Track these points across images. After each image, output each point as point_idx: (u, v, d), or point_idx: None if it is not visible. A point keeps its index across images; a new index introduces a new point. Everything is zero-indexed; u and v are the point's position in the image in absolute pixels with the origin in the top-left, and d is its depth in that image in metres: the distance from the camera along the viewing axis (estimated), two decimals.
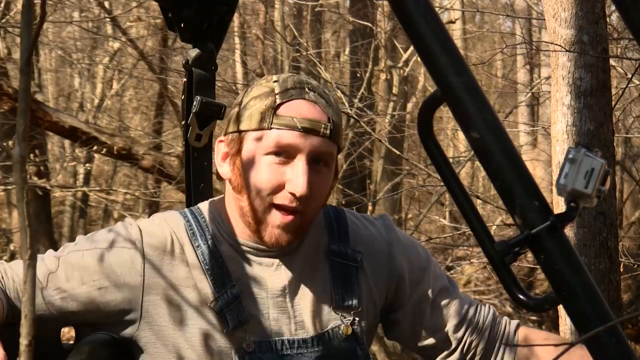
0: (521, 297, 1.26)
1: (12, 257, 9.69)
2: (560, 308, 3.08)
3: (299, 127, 1.76)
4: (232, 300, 1.80)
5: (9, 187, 7.98)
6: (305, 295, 1.86)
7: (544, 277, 7.85)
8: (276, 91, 1.79)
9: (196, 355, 1.79)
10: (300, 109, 1.78)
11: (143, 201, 10.70)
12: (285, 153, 1.77)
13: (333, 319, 1.86)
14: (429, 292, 1.94)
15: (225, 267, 1.82)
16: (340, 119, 1.84)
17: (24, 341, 1.00)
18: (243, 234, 1.85)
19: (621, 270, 4.01)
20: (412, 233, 8.31)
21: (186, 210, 1.90)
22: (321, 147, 1.78)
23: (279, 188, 1.77)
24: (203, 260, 1.82)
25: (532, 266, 7.75)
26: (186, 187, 2.22)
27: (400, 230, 2.03)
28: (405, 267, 1.93)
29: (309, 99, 1.79)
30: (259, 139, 1.78)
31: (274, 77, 1.83)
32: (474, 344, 1.93)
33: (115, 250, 1.81)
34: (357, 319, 1.88)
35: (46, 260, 1.82)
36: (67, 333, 2.48)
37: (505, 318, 1.99)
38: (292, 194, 1.76)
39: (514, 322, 1.98)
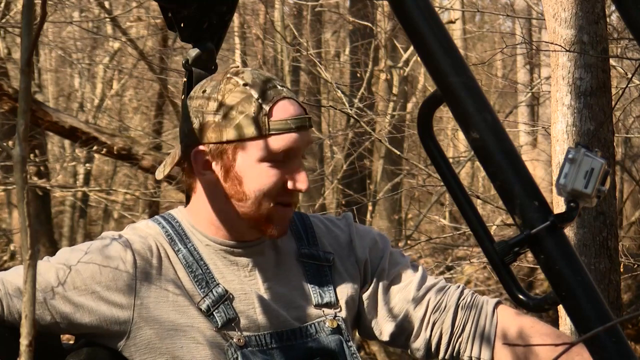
0: (521, 297, 1.26)
1: (12, 257, 9.70)
2: (560, 308, 3.08)
3: (293, 127, 1.81)
4: (219, 299, 1.84)
5: (9, 187, 7.99)
6: (285, 294, 1.90)
7: (544, 277, 7.85)
8: (255, 95, 1.81)
9: (190, 355, 1.81)
10: (288, 109, 1.82)
11: (143, 201, 10.70)
12: (285, 155, 1.82)
13: (316, 315, 1.90)
14: (388, 275, 1.96)
15: (207, 267, 1.86)
16: None
17: (24, 341, 1.00)
18: (217, 235, 1.89)
19: (621, 270, 4.01)
20: (412, 233, 8.31)
21: (158, 217, 1.94)
22: (310, 138, 1.87)
23: (282, 187, 1.84)
24: (185, 263, 1.86)
25: (532, 266, 7.75)
26: (186, 187, 2.22)
27: (359, 224, 2.07)
28: (367, 256, 1.97)
29: (287, 96, 1.84)
30: (258, 146, 1.81)
31: (238, 80, 1.84)
32: (437, 323, 1.92)
33: (108, 255, 1.82)
34: (339, 315, 1.91)
35: (41, 268, 1.81)
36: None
37: (485, 298, 1.95)
38: (295, 190, 1.84)
39: (492, 301, 1.93)
